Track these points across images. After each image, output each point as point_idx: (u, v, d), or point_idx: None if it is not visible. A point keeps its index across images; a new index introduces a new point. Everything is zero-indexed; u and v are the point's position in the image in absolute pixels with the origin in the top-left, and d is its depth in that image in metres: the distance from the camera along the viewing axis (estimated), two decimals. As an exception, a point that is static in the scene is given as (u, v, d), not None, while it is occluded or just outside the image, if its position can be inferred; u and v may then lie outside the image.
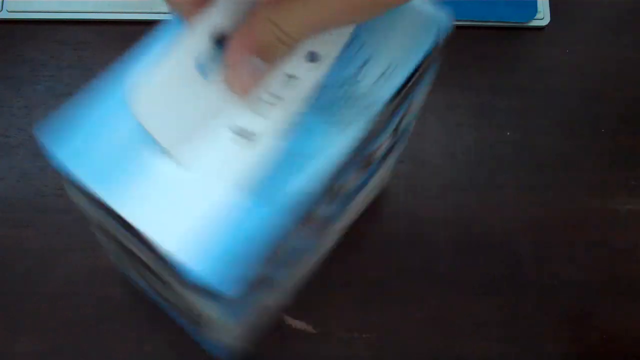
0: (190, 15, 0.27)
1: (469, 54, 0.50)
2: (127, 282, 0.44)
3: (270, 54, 0.28)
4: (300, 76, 0.28)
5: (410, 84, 0.30)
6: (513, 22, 0.51)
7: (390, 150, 0.37)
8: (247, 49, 0.27)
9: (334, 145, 0.28)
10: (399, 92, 0.29)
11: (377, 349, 0.43)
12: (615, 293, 0.45)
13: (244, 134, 0.28)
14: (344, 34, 0.29)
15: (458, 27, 0.49)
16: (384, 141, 0.33)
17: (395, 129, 0.34)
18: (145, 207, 0.26)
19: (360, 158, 0.31)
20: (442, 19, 0.30)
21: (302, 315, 0.43)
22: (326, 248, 0.42)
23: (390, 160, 0.40)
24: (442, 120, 0.48)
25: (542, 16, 0.51)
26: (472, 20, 0.50)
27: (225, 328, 0.33)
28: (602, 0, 0.53)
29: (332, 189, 0.30)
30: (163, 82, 0.27)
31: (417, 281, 0.44)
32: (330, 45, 0.29)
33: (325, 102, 0.29)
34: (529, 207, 0.46)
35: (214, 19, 0.27)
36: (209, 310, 0.29)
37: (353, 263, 0.44)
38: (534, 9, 0.51)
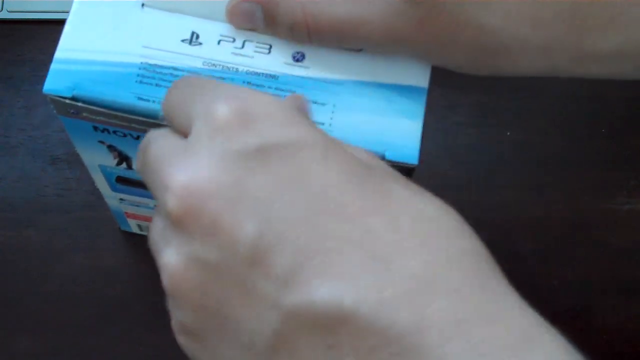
0: None
1: (469, 54, 0.50)
2: (127, 282, 0.44)
3: (276, 21, 0.29)
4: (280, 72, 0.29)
5: None
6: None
7: None
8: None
9: None
10: None
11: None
12: (615, 293, 0.45)
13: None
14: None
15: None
16: None
17: None
18: None
19: None
20: None
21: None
22: None
23: None
24: (442, 120, 0.48)
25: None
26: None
27: None
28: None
29: None
30: None
31: (417, 281, 0.44)
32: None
33: None
34: (529, 207, 0.46)
35: None
36: None
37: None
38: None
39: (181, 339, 0.23)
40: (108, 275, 0.44)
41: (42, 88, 0.29)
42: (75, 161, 0.45)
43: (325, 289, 0.20)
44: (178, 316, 0.22)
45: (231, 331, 0.21)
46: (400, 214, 0.21)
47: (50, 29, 0.49)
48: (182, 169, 0.21)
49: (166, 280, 0.22)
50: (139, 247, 0.45)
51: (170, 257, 0.22)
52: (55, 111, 0.30)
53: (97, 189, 0.38)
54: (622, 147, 0.48)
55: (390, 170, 0.23)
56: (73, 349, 0.42)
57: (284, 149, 0.21)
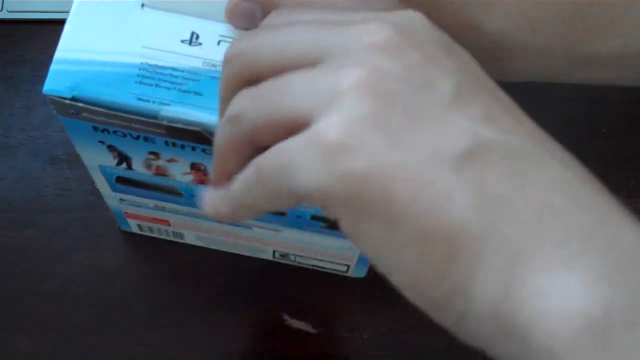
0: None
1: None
2: (127, 282, 0.44)
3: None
4: None
5: None
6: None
7: None
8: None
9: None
10: None
11: (378, 348, 0.43)
12: (616, 293, 0.45)
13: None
14: None
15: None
16: None
17: None
18: None
19: None
20: None
21: (302, 315, 0.43)
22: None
23: None
24: (442, 120, 0.48)
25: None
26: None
27: None
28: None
29: None
30: None
31: (417, 281, 0.44)
32: None
33: None
34: (529, 207, 0.46)
35: None
36: None
37: (353, 263, 0.44)
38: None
39: (357, 126, 0.22)
40: (108, 275, 0.44)
41: (42, 88, 0.29)
42: (75, 161, 0.45)
43: (520, 134, 0.24)
44: (366, 106, 0.22)
45: (418, 134, 0.22)
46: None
47: (50, 29, 0.49)
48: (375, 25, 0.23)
49: (370, 67, 0.22)
50: (139, 247, 0.45)
51: (385, 59, 0.22)
52: (55, 111, 0.30)
53: (97, 189, 0.38)
54: (622, 147, 0.48)
55: None
56: (73, 349, 0.42)
57: (452, 45, 0.24)
